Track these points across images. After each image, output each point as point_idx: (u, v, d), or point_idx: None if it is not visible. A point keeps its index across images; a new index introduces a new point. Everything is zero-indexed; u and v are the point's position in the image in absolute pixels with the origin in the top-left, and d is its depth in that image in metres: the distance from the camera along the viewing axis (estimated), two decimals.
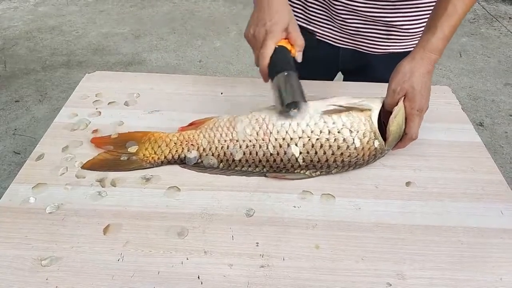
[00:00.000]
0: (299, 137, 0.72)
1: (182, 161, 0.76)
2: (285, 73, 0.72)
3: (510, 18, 3.52)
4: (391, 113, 0.75)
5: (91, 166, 0.75)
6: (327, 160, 0.73)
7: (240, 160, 0.74)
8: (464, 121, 0.90)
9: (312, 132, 0.72)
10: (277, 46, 0.74)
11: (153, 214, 0.67)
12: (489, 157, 0.80)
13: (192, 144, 0.76)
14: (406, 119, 0.75)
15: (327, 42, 1.02)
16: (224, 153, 0.74)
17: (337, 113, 0.74)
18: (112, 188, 0.71)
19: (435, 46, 0.75)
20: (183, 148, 0.76)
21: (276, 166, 0.74)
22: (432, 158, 0.80)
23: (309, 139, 0.72)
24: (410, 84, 0.74)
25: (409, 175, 0.76)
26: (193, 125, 0.79)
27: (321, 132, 0.72)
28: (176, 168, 0.75)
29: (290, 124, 0.73)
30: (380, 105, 0.77)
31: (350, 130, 0.72)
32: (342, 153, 0.72)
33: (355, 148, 0.72)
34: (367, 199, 0.71)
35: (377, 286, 0.58)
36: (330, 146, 0.72)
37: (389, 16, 0.93)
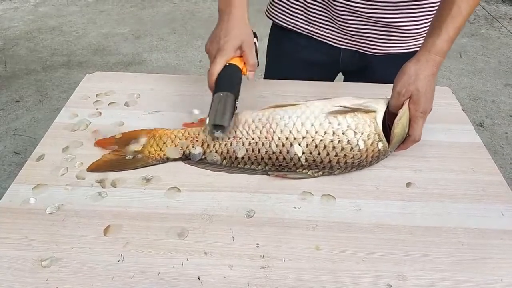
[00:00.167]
0: (303, 137, 0.73)
1: (187, 157, 0.76)
2: (221, 94, 0.74)
3: (510, 18, 3.52)
4: (394, 114, 0.75)
5: (96, 167, 0.74)
6: (330, 161, 0.73)
7: (243, 158, 0.74)
8: (464, 122, 0.90)
9: (316, 132, 0.72)
10: (227, 64, 0.77)
11: (153, 215, 0.67)
12: (490, 158, 0.80)
13: (196, 140, 0.76)
14: (410, 121, 0.75)
15: (328, 43, 1.02)
16: (228, 150, 0.75)
17: (343, 114, 0.74)
18: (112, 188, 0.71)
19: (440, 48, 0.74)
20: (188, 145, 0.76)
21: (279, 164, 0.74)
22: (432, 159, 0.80)
23: (312, 140, 0.72)
24: (415, 86, 0.74)
25: (409, 176, 0.76)
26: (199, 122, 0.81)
27: (325, 133, 0.72)
28: (176, 168, 0.75)
29: (294, 124, 0.73)
30: (385, 106, 0.77)
31: (354, 132, 0.72)
32: (345, 155, 0.72)
33: (359, 149, 0.72)
34: (368, 200, 0.71)
35: (377, 287, 0.58)
36: (334, 147, 0.72)
37: (390, 17, 0.93)
